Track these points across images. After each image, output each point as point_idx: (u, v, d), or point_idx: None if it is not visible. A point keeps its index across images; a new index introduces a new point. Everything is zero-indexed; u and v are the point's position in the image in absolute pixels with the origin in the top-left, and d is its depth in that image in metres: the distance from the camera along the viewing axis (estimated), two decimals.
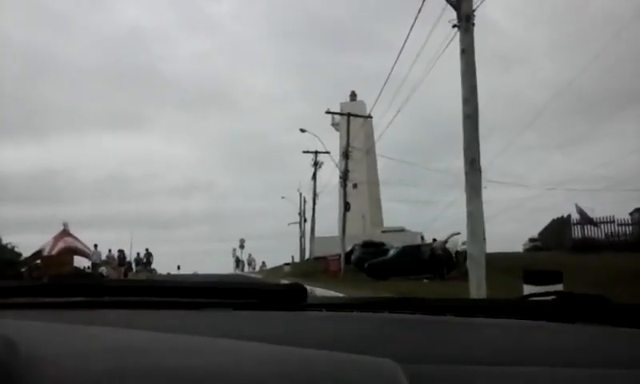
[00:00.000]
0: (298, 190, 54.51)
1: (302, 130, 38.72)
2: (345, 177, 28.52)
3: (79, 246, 35.09)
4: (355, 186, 52.24)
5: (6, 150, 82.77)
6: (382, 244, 34.50)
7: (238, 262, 54.64)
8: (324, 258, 38.80)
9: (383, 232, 47.55)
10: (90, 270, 29.55)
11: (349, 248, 37.98)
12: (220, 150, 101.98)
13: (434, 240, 26.15)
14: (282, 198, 55.03)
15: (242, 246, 51.13)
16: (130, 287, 1.31)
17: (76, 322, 0.93)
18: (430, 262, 23.64)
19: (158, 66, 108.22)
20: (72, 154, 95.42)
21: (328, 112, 36.33)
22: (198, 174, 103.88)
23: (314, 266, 36.27)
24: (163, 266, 52.46)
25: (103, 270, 29.53)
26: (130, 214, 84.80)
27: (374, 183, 53.19)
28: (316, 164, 44.12)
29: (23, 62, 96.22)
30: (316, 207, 46.99)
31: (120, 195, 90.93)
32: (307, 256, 47.96)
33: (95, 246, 31.75)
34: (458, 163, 9.68)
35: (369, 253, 31.30)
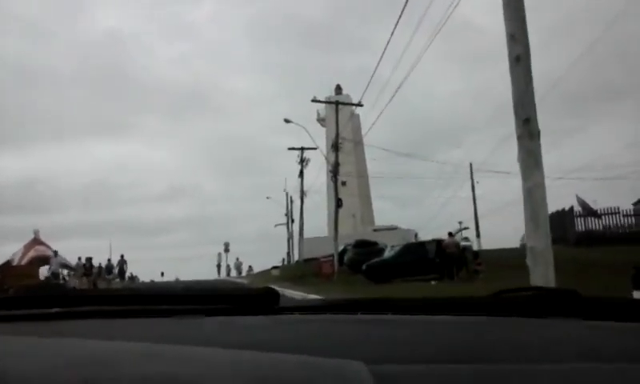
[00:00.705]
0: (285, 190, 52.07)
1: (287, 121, 36.21)
2: (335, 171, 26.10)
3: (51, 254, 32.40)
4: (344, 183, 49.75)
5: None
6: (376, 243, 32.29)
7: (219, 268, 52.14)
8: (315, 259, 36.66)
9: (375, 231, 45.30)
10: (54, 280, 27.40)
11: (340, 248, 35.85)
12: (204, 155, 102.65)
13: (450, 234, 23.52)
14: (268, 198, 52.60)
15: (226, 250, 48.44)
16: (99, 296, 1.29)
17: (44, 334, 0.92)
18: (438, 260, 21.35)
19: (138, 72, 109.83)
20: (54, 163, 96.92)
21: (315, 100, 33.87)
22: (182, 179, 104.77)
23: (304, 269, 34.18)
24: (147, 273, 51.63)
25: (69, 280, 26.75)
26: (113, 221, 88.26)
27: (363, 179, 50.75)
28: (302, 161, 41.62)
29: (3, 71, 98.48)
30: (304, 207, 45.08)
31: (103, 203, 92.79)
32: (297, 258, 45.46)
33: (55, 253, 28.88)
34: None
35: (363, 253, 29.15)
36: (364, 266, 22.92)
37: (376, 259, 23.88)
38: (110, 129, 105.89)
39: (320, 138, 47.47)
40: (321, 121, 53.64)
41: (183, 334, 0.97)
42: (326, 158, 31.45)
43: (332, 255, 26.15)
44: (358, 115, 44.38)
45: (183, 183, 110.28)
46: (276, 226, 55.77)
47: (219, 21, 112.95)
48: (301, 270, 34.00)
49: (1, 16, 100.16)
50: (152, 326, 1.06)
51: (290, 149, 41.56)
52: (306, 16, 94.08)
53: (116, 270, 30.88)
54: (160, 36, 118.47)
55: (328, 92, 45.15)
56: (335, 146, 25.98)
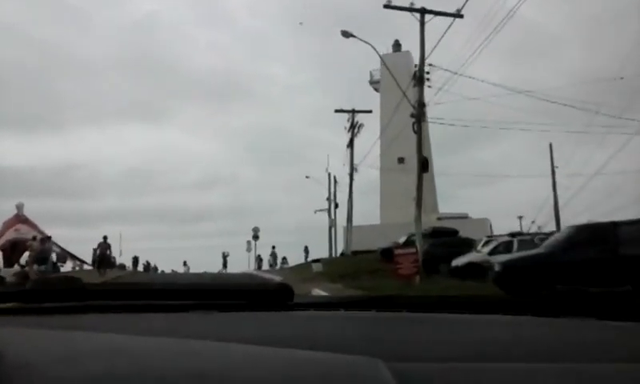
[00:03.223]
0: (327, 170, 43.56)
1: (346, 34, 27.35)
2: (419, 115, 17.06)
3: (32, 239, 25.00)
4: (402, 160, 40.95)
5: (28, 145, 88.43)
6: (456, 232, 23.62)
7: (226, 259, 43.33)
8: (368, 251, 28.24)
9: (439, 219, 36.53)
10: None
11: (402, 239, 27.30)
12: (241, 143, 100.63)
13: None
14: (307, 177, 43.97)
15: (256, 237, 40.06)
16: (114, 290, 1.29)
17: (60, 327, 0.94)
18: None
19: (178, 59, 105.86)
20: (93, 149, 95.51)
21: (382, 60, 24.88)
22: (218, 167, 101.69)
23: (354, 264, 25.79)
24: (175, 262, 45.70)
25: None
26: (148, 208, 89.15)
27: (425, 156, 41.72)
28: (353, 127, 32.79)
29: (44, 57, 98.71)
30: (353, 187, 36.69)
31: (140, 189, 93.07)
32: (342, 250, 37.01)
33: (48, 238, 21.51)
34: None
35: (442, 245, 20.57)
36: (497, 267, 13.23)
37: (511, 256, 14.90)
38: (149, 115, 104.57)
39: (375, 102, 38.64)
40: (374, 84, 44.81)
41: (200, 329, 0.97)
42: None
43: (411, 245, 17.33)
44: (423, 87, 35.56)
45: (220, 171, 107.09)
46: (316, 211, 47.39)
47: (257, 10, 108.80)
48: (350, 265, 25.79)
49: (44, 3, 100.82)
50: (170, 321, 1.07)
51: (338, 111, 32.99)
52: (345, 2, 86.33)
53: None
54: (199, 23, 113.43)
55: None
56: (420, 76, 17.03)
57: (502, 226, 34.72)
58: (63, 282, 1.24)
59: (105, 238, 22.37)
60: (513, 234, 20.11)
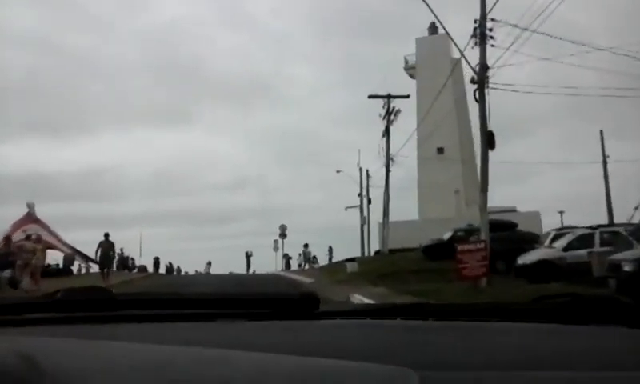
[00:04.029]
0: (358, 164, 40.49)
1: (371, 96, 24.53)
2: (482, 79, 13.66)
3: (50, 240, 22.52)
4: (441, 149, 37.65)
5: (55, 149, 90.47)
6: (515, 225, 20.42)
7: (249, 259, 39.88)
8: (406, 250, 25.26)
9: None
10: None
11: (447, 234, 24.16)
12: (267, 144, 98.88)
13: None
14: (338, 172, 40.92)
15: (283, 235, 37.08)
16: (143, 300, 1.28)
17: (91, 337, 0.96)
18: None
19: (201, 61, 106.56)
20: (120, 152, 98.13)
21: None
22: (245, 169, 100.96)
23: (392, 263, 22.93)
24: (196, 265, 45.51)
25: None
26: (175, 210, 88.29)
27: (467, 147, 38.20)
28: (389, 113, 29.64)
29: (70, 64, 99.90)
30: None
31: (166, 191, 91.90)
32: (378, 248, 33.88)
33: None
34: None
35: (502, 241, 17.55)
36: (628, 268, 10.25)
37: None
38: (176, 118, 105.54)
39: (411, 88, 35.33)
40: (410, 69, 41.58)
41: (228, 338, 0.98)
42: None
43: (477, 237, 14.02)
44: (460, 64, 32.20)
45: (246, 173, 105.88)
46: (347, 208, 44.53)
47: (280, 11, 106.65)
48: (390, 265, 22.73)
49: (69, 10, 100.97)
50: (199, 330, 1.08)
51: (371, 97, 29.88)
52: (366, 4, 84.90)
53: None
54: (223, 25, 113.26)
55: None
56: (481, 33, 13.70)
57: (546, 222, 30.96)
58: (94, 291, 1.23)
59: (106, 235, 18.80)
60: (592, 227, 16.72)
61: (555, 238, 17.07)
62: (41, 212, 24.34)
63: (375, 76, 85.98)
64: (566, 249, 15.40)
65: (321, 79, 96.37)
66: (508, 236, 18.82)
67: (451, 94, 31.30)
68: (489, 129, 13.32)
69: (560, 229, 20.17)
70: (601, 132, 32.36)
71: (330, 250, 37.66)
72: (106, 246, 18.63)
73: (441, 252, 23.86)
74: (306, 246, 33.06)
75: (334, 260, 33.94)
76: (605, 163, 31.85)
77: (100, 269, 18.35)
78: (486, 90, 13.65)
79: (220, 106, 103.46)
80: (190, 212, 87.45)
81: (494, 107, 13.51)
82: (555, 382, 0.72)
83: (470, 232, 23.98)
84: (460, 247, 12.69)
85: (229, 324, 1.12)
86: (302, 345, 0.89)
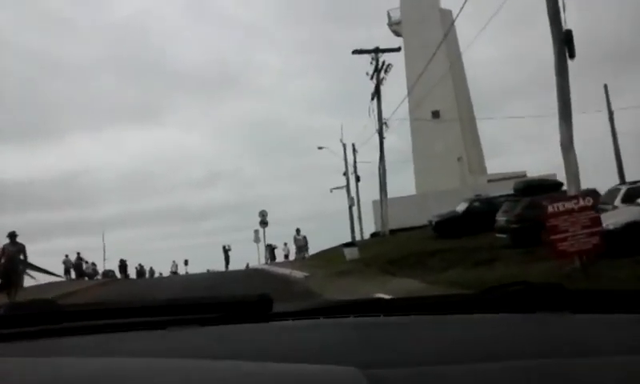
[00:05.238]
0: (341, 140, 36.12)
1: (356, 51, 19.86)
2: None
3: None
4: (436, 113, 33.34)
5: (23, 156, 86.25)
6: (561, 183, 16.41)
7: (227, 253, 35.28)
8: (407, 229, 21.07)
9: (490, 182, 29.10)
10: None
11: (462, 206, 20.19)
12: (241, 136, 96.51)
13: None
14: (320, 148, 36.44)
15: (264, 223, 32.34)
16: (91, 311, 1.26)
17: (37, 353, 0.94)
18: None
19: (168, 56, 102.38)
20: (90, 155, 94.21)
21: None
22: (219, 162, 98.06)
23: (399, 246, 19.21)
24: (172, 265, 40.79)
25: None
26: (148, 210, 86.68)
27: (465, 108, 33.96)
28: (378, 70, 25.30)
29: (32, 66, 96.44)
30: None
31: (140, 192, 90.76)
32: (375, 230, 29.60)
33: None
34: None
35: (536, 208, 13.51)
36: None
37: None
38: (144, 116, 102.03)
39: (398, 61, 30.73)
40: (394, 26, 37.08)
41: (177, 346, 0.98)
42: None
43: (585, 201, 8.97)
44: (454, 28, 27.88)
45: (221, 167, 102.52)
46: (332, 190, 40.27)
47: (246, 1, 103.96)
48: (397, 248, 18.52)
49: (29, 11, 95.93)
50: (148, 339, 1.06)
51: (356, 52, 25.45)
52: None
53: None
54: (187, 16, 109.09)
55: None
56: None
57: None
58: (38, 304, 1.19)
59: (12, 236, 12.81)
60: None
61: (632, 195, 12.93)
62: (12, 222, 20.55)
63: (347, 58, 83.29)
64: None
65: (291, 65, 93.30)
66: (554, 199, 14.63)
67: (443, 49, 26.99)
68: (565, 28, 8.90)
69: (620, 184, 16.11)
70: (605, 86, 28.36)
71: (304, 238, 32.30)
72: (11, 252, 12.76)
73: (456, 228, 19.90)
74: (297, 231, 28.00)
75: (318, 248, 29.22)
76: (612, 119, 27.82)
77: (2, 283, 12.78)
78: None
79: (189, 101, 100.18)
80: (165, 211, 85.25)
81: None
82: (505, 372, 0.73)
83: (492, 202, 19.91)
84: (551, 207, 8.24)
85: (179, 331, 1.09)
86: (253, 349, 0.91)
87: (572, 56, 8.99)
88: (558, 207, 8.21)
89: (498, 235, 15.95)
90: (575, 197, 8.56)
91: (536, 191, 15.59)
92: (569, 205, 8.22)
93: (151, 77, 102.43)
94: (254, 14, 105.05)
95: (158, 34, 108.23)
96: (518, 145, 60.11)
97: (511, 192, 19.11)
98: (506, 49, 71.08)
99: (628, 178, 21.07)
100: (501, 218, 15.96)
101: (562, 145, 9.29)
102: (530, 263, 11.93)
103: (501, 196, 19.85)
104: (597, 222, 8.17)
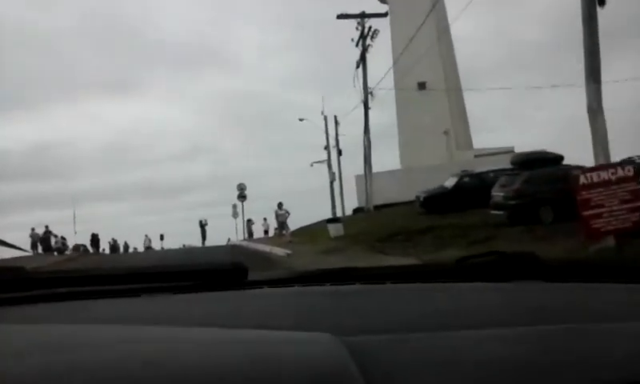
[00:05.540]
0: (322, 112, 34.81)
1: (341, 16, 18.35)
2: None
3: None
4: (422, 85, 32.12)
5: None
6: (562, 157, 15.46)
7: (204, 229, 34.44)
8: (391, 205, 20.06)
9: (477, 157, 28.15)
10: None
11: (451, 181, 19.24)
12: (220, 110, 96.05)
13: None
14: (301, 120, 35.06)
15: (242, 196, 30.94)
16: (61, 278, 1.21)
17: (6, 320, 0.92)
18: None
19: (147, 27, 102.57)
20: (67, 126, 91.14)
21: None
22: (198, 136, 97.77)
23: (387, 223, 18.34)
24: (155, 238, 39.70)
25: None
26: (126, 183, 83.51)
27: (452, 79, 32.80)
28: (364, 36, 23.95)
29: (3, 33, 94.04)
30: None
31: (118, 165, 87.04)
32: (358, 205, 28.51)
33: None
34: None
35: (548, 181, 12.71)
36: None
37: None
38: (122, 88, 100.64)
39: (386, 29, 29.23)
40: None
41: (151, 314, 0.96)
42: None
43: (625, 171, 7.56)
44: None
45: (199, 141, 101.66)
46: (312, 164, 39.05)
47: None
48: (384, 225, 17.46)
49: None
50: (120, 306, 1.04)
51: (340, 16, 24.04)
52: None
53: None
54: None
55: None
56: None
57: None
58: (7, 271, 1.16)
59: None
60: None
61: None
62: None
63: (330, 32, 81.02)
64: None
65: (271, 38, 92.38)
66: (554, 173, 13.64)
67: (432, 17, 25.69)
68: None
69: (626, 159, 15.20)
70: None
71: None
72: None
73: (445, 204, 18.91)
74: (279, 205, 26.06)
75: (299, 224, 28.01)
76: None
77: None
78: None
79: (168, 74, 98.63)
80: (141, 185, 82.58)
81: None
82: (480, 339, 0.74)
83: (482, 178, 18.91)
84: (584, 177, 6.96)
85: (153, 298, 1.08)
86: (228, 316, 0.89)
87: (602, 3, 7.80)
88: (591, 178, 7.04)
89: (493, 212, 14.95)
90: (613, 165, 7.39)
91: (536, 164, 14.57)
92: (605, 175, 7.01)
93: (128, 49, 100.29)
94: None
95: (137, 4, 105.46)
96: (503, 121, 59.43)
97: (499, 168, 18.18)
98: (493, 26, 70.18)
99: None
100: (497, 194, 14.93)
101: (588, 108, 8.15)
102: (533, 243, 10.99)
103: (489, 171, 18.92)
104: (639, 195, 7.02)
